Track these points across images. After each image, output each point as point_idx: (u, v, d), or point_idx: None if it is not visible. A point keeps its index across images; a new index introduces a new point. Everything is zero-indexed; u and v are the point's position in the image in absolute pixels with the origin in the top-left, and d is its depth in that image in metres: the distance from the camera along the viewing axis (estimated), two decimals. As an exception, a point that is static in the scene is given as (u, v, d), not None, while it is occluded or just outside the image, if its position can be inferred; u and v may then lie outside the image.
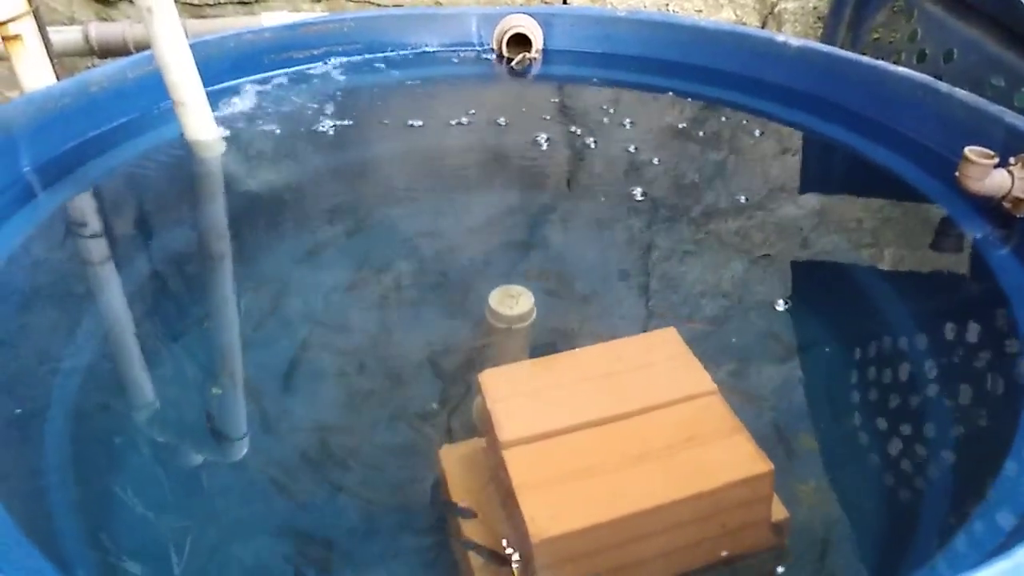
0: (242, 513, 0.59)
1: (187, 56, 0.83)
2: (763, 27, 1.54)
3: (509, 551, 0.55)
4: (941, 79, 1.02)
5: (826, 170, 1.01)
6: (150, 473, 0.61)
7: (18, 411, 0.63)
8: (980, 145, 0.75)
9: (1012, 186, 0.72)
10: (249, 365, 0.72)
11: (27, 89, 0.84)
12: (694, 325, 0.71)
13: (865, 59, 0.97)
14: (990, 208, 0.76)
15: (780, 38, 1.05)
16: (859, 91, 0.96)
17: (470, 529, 0.58)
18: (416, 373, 0.71)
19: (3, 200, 0.79)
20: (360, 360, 0.73)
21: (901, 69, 0.92)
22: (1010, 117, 0.77)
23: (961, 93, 0.85)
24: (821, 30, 1.45)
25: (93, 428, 0.64)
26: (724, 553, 0.57)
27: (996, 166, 0.73)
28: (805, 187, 0.96)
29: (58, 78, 0.90)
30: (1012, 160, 0.74)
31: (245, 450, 0.64)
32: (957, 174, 0.74)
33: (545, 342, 0.72)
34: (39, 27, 0.83)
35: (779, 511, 0.59)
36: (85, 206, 0.87)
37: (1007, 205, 0.74)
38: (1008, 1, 0.91)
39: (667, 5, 1.51)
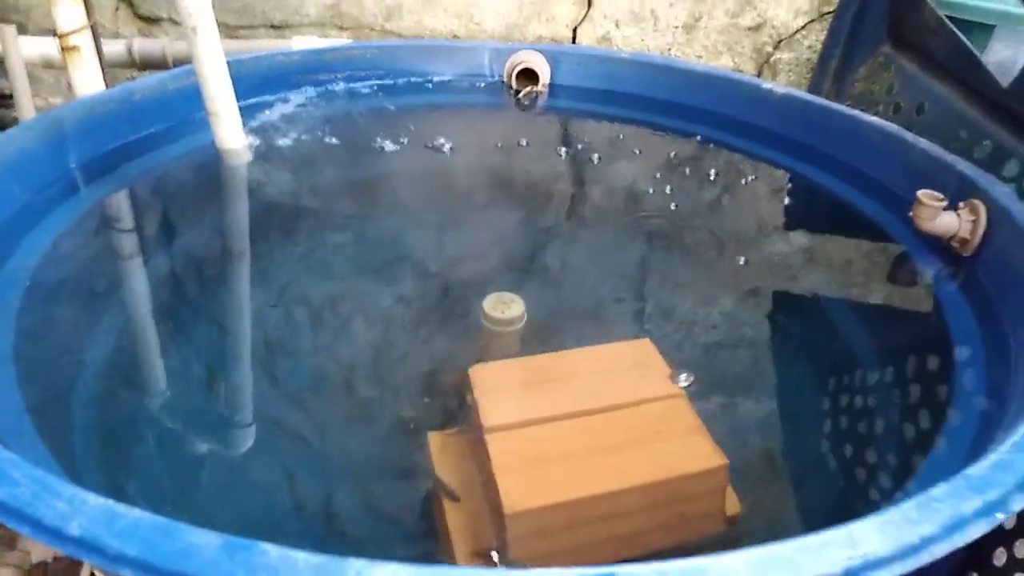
0: (242, 500, 0.65)
1: (224, 73, 0.92)
2: (759, 75, 1.63)
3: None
4: (913, 129, 1.10)
5: (804, 208, 1.08)
6: (157, 456, 0.66)
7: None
8: (937, 190, 0.83)
9: (959, 228, 0.79)
10: (258, 357, 0.78)
11: (80, 94, 0.93)
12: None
13: (841, 107, 1.05)
14: (942, 248, 0.84)
15: (766, 85, 1.14)
16: (835, 137, 1.04)
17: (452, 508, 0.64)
18: (415, 369, 0.78)
19: (52, 192, 0.87)
20: (365, 353, 0.80)
21: (872, 118, 1.01)
22: (962, 166, 0.85)
23: (923, 142, 0.93)
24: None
25: (110, 412, 0.69)
26: (682, 538, 0.64)
27: (946, 208, 0.81)
28: (784, 223, 1.04)
29: (107, 86, 0.99)
30: (961, 204, 0.81)
31: (251, 438, 0.70)
32: (911, 214, 0.81)
33: (535, 346, 0.78)
34: (95, 39, 0.92)
35: (733, 505, 0.65)
36: (121, 203, 0.95)
37: (955, 245, 0.81)
38: (971, 61, 1.00)
39: (669, 49, 1.61)
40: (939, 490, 0.39)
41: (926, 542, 0.37)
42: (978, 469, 0.41)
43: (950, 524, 0.37)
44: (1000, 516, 0.38)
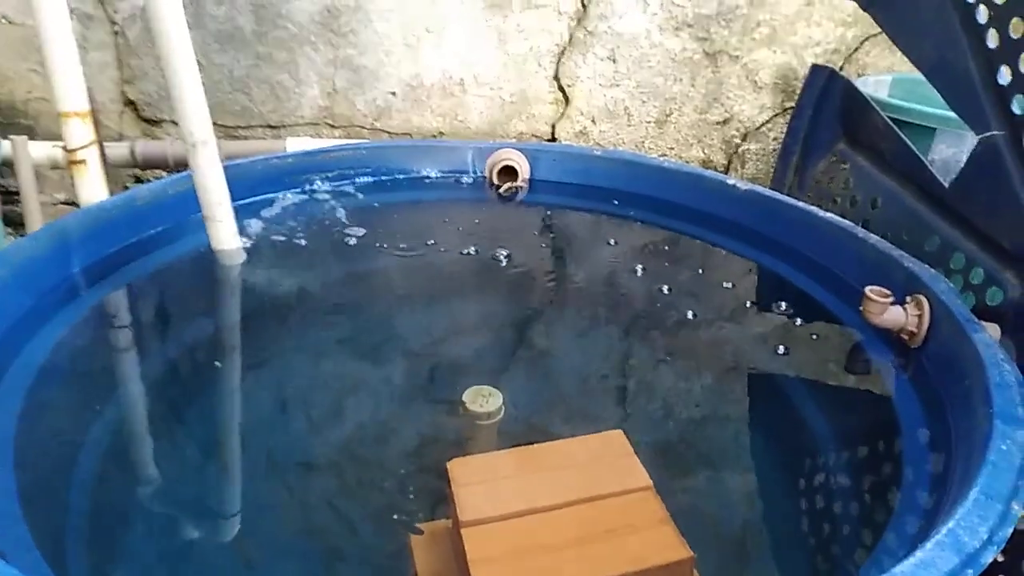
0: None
1: (222, 181, 0.98)
2: (728, 165, 1.73)
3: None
4: (869, 223, 1.17)
5: (763, 296, 1.13)
6: (140, 543, 0.69)
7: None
8: (885, 284, 0.89)
9: (906, 321, 0.85)
10: (246, 447, 0.81)
11: (84, 203, 1.00)
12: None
13: (798, 203, 1.12)
14: (893, 338, 0.89)
15: (730, 181, 1.22)
16: (793, 230, 1.11)
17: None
18: (397, 460, 0.82)
19: (55, 296, 0.92)
20: (348, 446, 0.83)
21: (827, 214, 1.08)
22: (908, 262, 0.92)
23: (873, 238, 0.99)
24: (777, 170, 1.63)
25: (99, 499, 0.72)
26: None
27: (893, 303, 0.86)
28: (744, 309, 1.09)
29: (110, 187, 1.05)
30: (908, 299, 0.87)
31: (237, 526, 0.72)
32: (860, 308, 0.87)
33: (513, 436, 0.82)
34: (101, 153, 0.99)
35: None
36: (121, 302, 0.99)
37: (904, 337, 0.87)
38: (916, 163, 1.08)
39: (643, 142, 1.71)
40: (865, 588, 0.42)
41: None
42: (904, 567, 0.44)
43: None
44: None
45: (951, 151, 1.24)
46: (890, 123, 1.16)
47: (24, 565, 0.59)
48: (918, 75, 1.02)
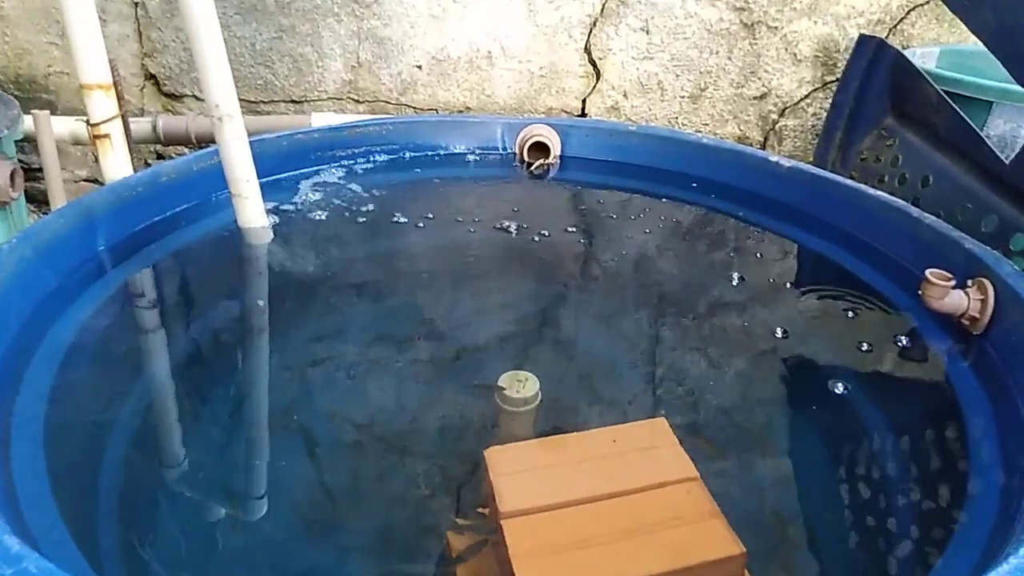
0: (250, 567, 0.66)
1: (249, 157, 0.95)
2: (764, 142, 1.67)
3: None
4: (919, 202, 1.12)
5: (810, 278, 1.09)
6: (166, 524, 0.67)
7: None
8: (943, 266, 0.84)
9: (968, 306, 0.80)
10: (273, 429, 0.79)
11: (108, 179, 0.97)
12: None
13: (846, 181, 1.07)
14: (952, 323, 0.85)
15: (773, 158, 1.17)
16: (841, 209, 1.06)
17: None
18: (431, 447, 0.79)
19: (80, 274, 0.90)
20: (380, 429, 0.81)
21: (878, 192, 1.03)
22: (969, 243, 0.87)
23: (929, 218, 0.94)
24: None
25: (126, 479, 0.71)
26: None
27: (954, 287, 0.82)
28: (793, 294, 1.05)
29: (135, 169, 1.03)
30: (969, 283, 0.82)
31: (264, 508, 0.70)
32: (920, 292, 0.83)
33: (550, 423, 0.79)
34: (125, 127, 0.96)
35: (751, 592, 0.65)
36: (147, 281, 0.97)
37: (965, 322, 0.82)
38: (973, 138, 1.02)
39: (676, 118, 1.65)
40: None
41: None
42: (998, 575, 0.41)
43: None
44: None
45: (1009, 126, 1.17)
46: (944, 96, 1.10)
47: (55, 554, 0.57)
48: (967, 47, 0.96)
